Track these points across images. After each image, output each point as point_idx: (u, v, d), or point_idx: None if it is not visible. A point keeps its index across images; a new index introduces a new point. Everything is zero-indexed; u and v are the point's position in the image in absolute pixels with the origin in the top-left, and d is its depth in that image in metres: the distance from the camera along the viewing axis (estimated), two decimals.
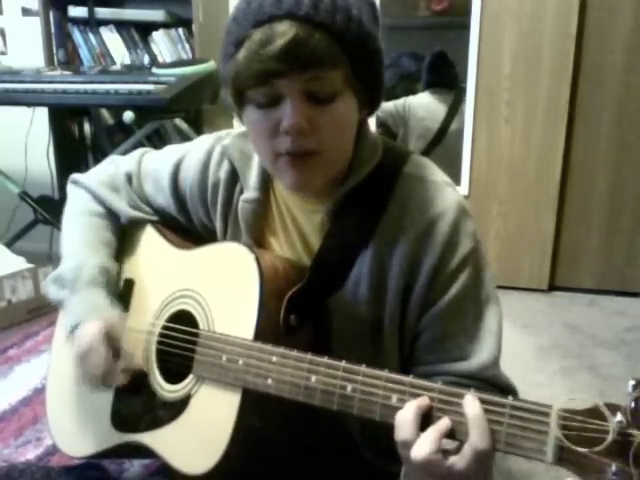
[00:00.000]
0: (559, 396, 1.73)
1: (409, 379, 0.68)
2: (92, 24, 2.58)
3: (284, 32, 0.69)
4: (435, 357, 0.82)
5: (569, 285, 2.54)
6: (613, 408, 0.56)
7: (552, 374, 1.81)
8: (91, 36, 2.60)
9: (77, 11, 2.59)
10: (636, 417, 0.54)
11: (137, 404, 0.92)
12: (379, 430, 0.70)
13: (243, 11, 0.74)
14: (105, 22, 2.59)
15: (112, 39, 2.60)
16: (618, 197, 2.43)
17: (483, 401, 0.63)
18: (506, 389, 0.81)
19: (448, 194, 0.83)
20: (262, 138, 0.78)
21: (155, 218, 1.03)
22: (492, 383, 0.80)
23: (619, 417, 0.55)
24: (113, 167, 1.05)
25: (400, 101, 3.05)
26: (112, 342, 0.88)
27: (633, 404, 0.55)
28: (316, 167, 0.78)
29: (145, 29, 2.58)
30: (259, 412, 0.80)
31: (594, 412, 0.57)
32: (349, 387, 0.71)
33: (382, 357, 0.85)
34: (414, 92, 3.13)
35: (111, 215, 1.03)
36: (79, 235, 1.00)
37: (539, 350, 1.98)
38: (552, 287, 2.54)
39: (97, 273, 0.94)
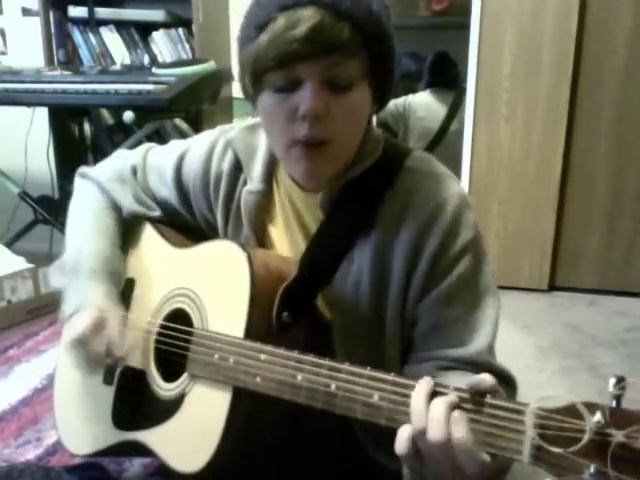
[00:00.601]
0: (559, 396, 1.73)
1: (391, 377, 0.67)
2: (92, 24, 2.58)
3: (310, 17, 0.71)
4: (432, 343, 0.82)
5: (569, 285, 2.53)
6: (592, 407, 0.54)
7: (552, 374, 1.81)
8: (91, 36, 2.60)
9: (77, 11, 2.59)
10: (616, 416, 0.52)
11: (136, 403, 0.92)
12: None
13: None
14: (105, 22, 2.59)
15: (112, 39, 2.60)
16: (618, 197, 2.43)
17: (462, 400, 0.62)
18: (501, 374, 0.81)
19: (450, 186, 0.84)
20: (277, 124, 0.79)
21: (158, 213, 1.03)
22: (487, 369, 0.79)
23: (598, 416, 0.52)
24: (121, 161, 1.06)
25: (400, 100, 3.05)
26: (103, 331, 0.87)
27: (614, 402, 0.53)
28: (327, 157, 0.79)
29: (145, 29, 2.58)
30: (250, 410, 0.80)
31: (572, 411, 0.54)
32: (333, 385, 0.70)
33: (385, 350, 0.85)
34: (414, 91, 3.13)
35: (117, 209, 1.03)
36: (83, 224, 1.00)
37: (539, 350, 1.98)
38: (552, 287, 2.54)
39: (96, 262, 0.94)
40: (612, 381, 0.53)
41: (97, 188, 1.04)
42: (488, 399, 0.61)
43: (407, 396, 0.65)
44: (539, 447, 0.56)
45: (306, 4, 0.72)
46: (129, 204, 1.02)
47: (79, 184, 1.07)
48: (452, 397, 0.62)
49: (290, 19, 0.72)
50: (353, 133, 0.81)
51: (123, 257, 1.00)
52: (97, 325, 0.86)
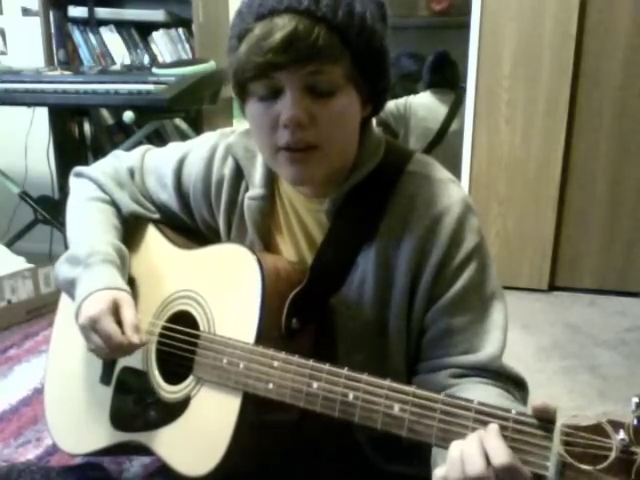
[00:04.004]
0: (559, 396, 1.74)
1: (412, 389, 0.68)
2: (92, 24, 2.58)
3: (284, 25, 0.70)
4: (442, 351, 0.82)
5: (569, 285, 2.53)
6: (616, 425, 0.55)
7: (552, 374, 1.81)
8: (91, 36, 2.60)
9: (77, 11, 2.58)
10: (638, 435, 0.54)
11: (136, 404, 0.92)
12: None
13: (247, 5, 0.75)
14: (105, 22, 2.58)
15: (112, 39, 2.60)
16: (618, 197, 2.43)
17: (486, 414, 0.63)
18: (515, 379, 0.81)
19: (453, 190, 0.83)
20: (263, 132, 0.79)
21: (156, 216, 1.03)
22: (501, 374, 0.80)
23: (622, 435, 0.54)
24: (117, 162, 1.05)
25: (401, 100, 3.05)
26: (118, 316, 0.86)
27: (636, 421, 0.54)
28: (316, 161, 0.78)
29: (145, 29, 2.57)
30: (259, 416, 0.80)
31: (597, 429, 0.56)
32: (351, 395, 0.71)
33: (387, 357, 0.85)
34: (414, 92, 3.13)
35: (116, 206, 1.02)
36: (89, 218, 0.99)
37: (539, 350, 1.98)
38: (552, 287, 2.54)
39: (111, 250, 0.93)
40: (634, 401, 0.55)
41: (95, 185, 1.03)
42: (514, 414, 0.61)
43: (428, 408, 0.66)
44: (564, 463, 0.57)
45: (282, 12, 0.71)
46: (127, 204, 1.01)
47: (75, 182, 1.06)
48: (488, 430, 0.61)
49: (265, 28, 0.71)
50: (341, 137, 0.80)
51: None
52: (112, 306, 0.86)
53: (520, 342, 2.01)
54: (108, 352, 0.86)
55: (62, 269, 0.94)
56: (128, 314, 0.86)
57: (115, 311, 0.86)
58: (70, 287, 0.93)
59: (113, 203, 1.02)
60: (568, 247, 2.51)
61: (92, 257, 0.91)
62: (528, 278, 2.53)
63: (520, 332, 2.09)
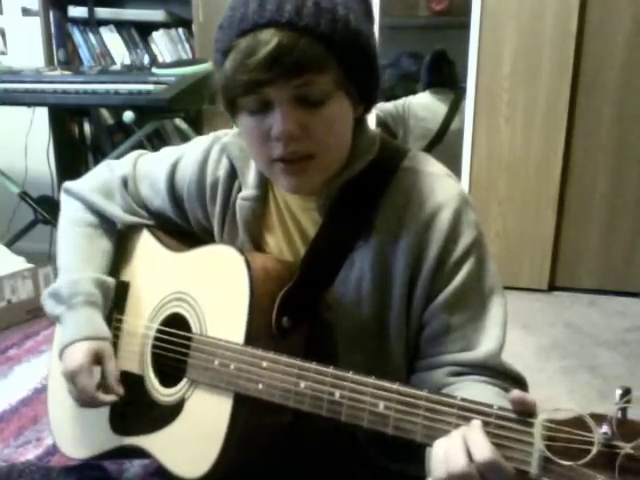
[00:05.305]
0: (559, 396, 1.74)
1: (396, 386, 0.67)
2: (92, 24, 2.58)
3: (268, 40, 0.69)
4: (441, 348, 0.81)
5: (569, 285, 2.54)
6: (599, 419, 0.54)
7: (552, 374, 1.81)
8: (91, 36, 2.60)
9: (77, 11, 2.58)
10: (622, 428, 0.53)
11: (135, 407, 0.92)
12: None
13: (229, 19, 0.74)
14: (105, 22, 2.59)
15: (112, 39, 2.60)
16: (618, 197, 2.43)
17: (468, 410, 0.62)
18: (514, 377, 0.81)
19: (449, 185, 0.83)
20: (256, 144, 0.78)
21: (151, 222, 1.02)
22: (499, 371, 0.79)
23: (604, 428, 0.53)
24: (108, 172, 1.04)
25: (400, 101, 3.05)
26: (98, 366, 0.91)
27: (620, 414, 0.53)
28: (312, 170, 0.78)
29: (145, 29, 2.58)
30: (252, 417, 0.80)
31: (579, 423, 0.55)
32: (337, 393, 0.71)
33: (387, 355, 0.85)
34: (414, 92, 3.13)
35: (105, 221, 1.02)
36: (73, 247, 1.00)
37: (539, 350, 1.98)
38: (552, 287, 2.54)
39: (94, 289, 0.94)
40: (618, 392, 0.54)
41: (81, 204, 1.03)
42: (495, 409, 0.61)
43: (412, 405, 0.66)
44: (547, 459, 0.56)
45: (264, 26, 0.69)
46: (120, 216, 1.01)
47: (64, 201, 1.06)
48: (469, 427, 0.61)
49: (249, 44, 0.70)
50: (335, 143, 0.79)
51: (116, 274, 1.00)
52: (92, 359, 0.90)
53: (520, 342, 2.01)
54: (80, 401, 0.92)
55: (47, 303, 0.97)
56: (110, 367, 0.91)
57: (96, 361, 0.90)
58: (56, 321, 0.97)
59: (102, 221, 1.02)
60: (568, 247, 2.51)
61: (74, 298, 0.93)
62: (528, 278, 2.53)
63: (520, 332, 2.09)
